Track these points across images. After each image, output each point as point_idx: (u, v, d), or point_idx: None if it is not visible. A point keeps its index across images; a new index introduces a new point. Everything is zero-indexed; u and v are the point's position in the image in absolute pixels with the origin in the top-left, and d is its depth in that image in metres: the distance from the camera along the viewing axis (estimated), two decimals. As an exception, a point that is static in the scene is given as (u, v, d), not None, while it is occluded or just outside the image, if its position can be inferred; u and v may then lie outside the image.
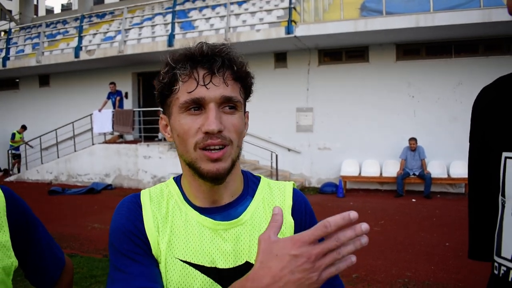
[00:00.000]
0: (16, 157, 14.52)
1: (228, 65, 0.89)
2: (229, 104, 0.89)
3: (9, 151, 14.37)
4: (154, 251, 0.91)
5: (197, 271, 0.91)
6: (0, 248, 0.97)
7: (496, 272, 0.84)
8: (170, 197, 0.99)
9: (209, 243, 0.92)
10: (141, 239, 0.91)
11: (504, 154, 0.84)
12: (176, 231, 0.94)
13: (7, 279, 0.97)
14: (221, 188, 0.94)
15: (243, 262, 0.92)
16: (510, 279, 0.79)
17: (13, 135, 14.46)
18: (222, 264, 0.91)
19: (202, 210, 0.95)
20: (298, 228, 0.98)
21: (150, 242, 0.91)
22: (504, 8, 8.29)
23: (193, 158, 0.89)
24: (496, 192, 0.86)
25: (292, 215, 0.99)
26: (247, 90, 0.96)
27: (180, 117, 0.90)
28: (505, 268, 0.81)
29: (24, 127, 14.64)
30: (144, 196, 0.98)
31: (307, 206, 1.04)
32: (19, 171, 14.29)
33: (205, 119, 0.87)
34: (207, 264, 0.91)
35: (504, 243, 0.82)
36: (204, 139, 0.87)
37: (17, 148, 14.41)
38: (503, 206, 0.83)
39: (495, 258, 0.84)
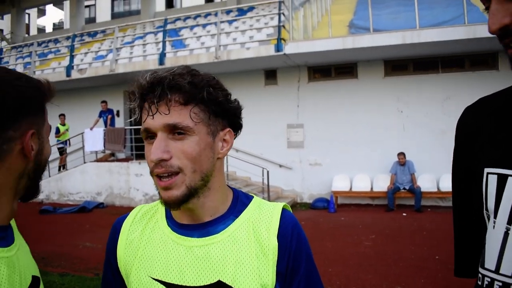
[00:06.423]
0: (64, 152, 13.28)
1: (167, 92, 0.87)
2: (177, 131, 0.88)
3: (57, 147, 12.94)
4: (124, 273, 1.00)
5: None
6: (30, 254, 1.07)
7: (479, 282, 0.86)
8: (153, 215, 1.03)
9: (182, 260, 0.94)
10: (113, 264, 1.03)
11: (486, 170, 0.87)
12: (151, 250, 0.97)
13: None
14: (197, 208, 0.95)
15: (215, 280, 0.91)
16: None
17: (57, 129, 13.06)
18: (193, 282, 0.92)
19: (182, 227, 0.97)
20: (282, 251, 0.95)
21: (120, 265, 1.01)
22: (488, 25, 8.53)
23: (154, 183, 0.92)
24: (480, 208, 0.88)
25: (277, 237, 0.96)
26: (211, 108, 0.92)
27: (145, 144, 0.94)
28: (489, 279, 0.83)
29: (63, 115, 13.08)
30: (131, 216, 1.05)
31: (296, 230, 0.98)
32: (64, 167, 13.19)
33: None
34: (177, 282, 0.92)
35: (487, 254, 0.85)
36: (153, 167, 0.89)
37: (64, 142, 13.17)
38: (489, 220, 0.86)
39: (480, 269, 0.87)
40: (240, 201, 1.02)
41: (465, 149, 0.97)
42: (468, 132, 0.96)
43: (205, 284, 0.91)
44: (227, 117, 0.97)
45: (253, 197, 1.05)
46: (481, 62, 9.94)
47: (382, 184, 10.22)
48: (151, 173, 0.90)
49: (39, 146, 0.94)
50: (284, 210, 1.01)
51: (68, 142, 13.39)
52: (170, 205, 0.91)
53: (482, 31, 8.47)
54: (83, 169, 12.15)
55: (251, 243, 0.95)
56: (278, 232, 0.96)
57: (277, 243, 0.95)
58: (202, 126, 0.91)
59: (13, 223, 1.03)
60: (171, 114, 0.87)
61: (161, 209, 1.03)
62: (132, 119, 0.95)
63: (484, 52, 9.74)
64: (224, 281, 0.91)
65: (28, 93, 0.90)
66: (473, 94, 9.25)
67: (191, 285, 0.92)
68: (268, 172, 10.12)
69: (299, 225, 1.01)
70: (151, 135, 0.90)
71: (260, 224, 0.97)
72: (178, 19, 16.03)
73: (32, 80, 0.94)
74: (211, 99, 0.91)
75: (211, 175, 0.94)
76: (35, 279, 0.97)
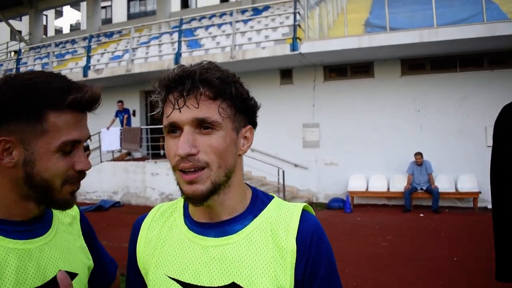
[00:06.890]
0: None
1: (198, 86, 0.86)
2: (204, 125, 0.87)
3: None
4: (143, 271, 1.01)
5: None
6: (81, 251, 1.09)
7: None
8: (172, 214, 1.03)
9: (198, 260, 0.93)
10: (134, 265, 1.04)
11: None
12: (168, 248, 0.97)
13: (86, 279, 1.08)
14: (216, 206, 0.93)
15: (229, 282, 0.89)
16: None
17: None
18: (208, 282, 0.90)
19: (198, 225, 0.96)
20: (301, 255, 0.91)
21: (140, 264, 1.02)
22: (508, 22, 8.36)
23: (176, 178, 0.91)
24: None
25: (296, 240, 0.91)
26: (237, 104, 0.91)
27: (166, 139, 0.92)
28: None
29: None
30: (150, 215, 1.05)
31: (316, 233, 0.93)
32: None
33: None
34: (193, 282, 0.91)
35: None
36: (178, 162, 0.87)
37: None
38: None
39: None
40: (259, 200, 0.99)
41: (500, 151, 0.93)
42: (502, 133, 0.93)
43: (220, 285, 0.90)
44: (248, 114, 0.96)
45: (273, 197, 1.02)
46: (500, 60, 9.77)
47: (399, 185, 10.12)
48: (174, 167, 0.89)
49: (25, 157, 0.88)
50: (304, 211, 0.97)
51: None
52: (194, 201, 0.89)
53: (501, 29, 8.33)
54: (99, 168, 12.26)
55: (269, 245, 0.92)
56: (297, 235, 0.92)
57: (295, 246, 0.91)
58: (229, 121, 0.90)
59: (68, 219, 1.08)
60: (200, 108, 0.86)
61: (179, 208, 1.03)
62: (155, 112, 0.93)
63: (503, 51, 9.57)
64: (239, 283, 0.89)
65: (9, 98, 0.86)
66: (491, 93, 9.05)
67: (206, 285, 0.91)
68: (283, 171, 10.10)
69: (321, 228, 0.95)
70: (174, 129, 0.89)
71: (278, 226, 0.93)
72: (194, 19, 16.07)
73: (32, 85, 0.88)
74: (237, 95, 0.91)
75: (233, 171, 0.93)
76: None
